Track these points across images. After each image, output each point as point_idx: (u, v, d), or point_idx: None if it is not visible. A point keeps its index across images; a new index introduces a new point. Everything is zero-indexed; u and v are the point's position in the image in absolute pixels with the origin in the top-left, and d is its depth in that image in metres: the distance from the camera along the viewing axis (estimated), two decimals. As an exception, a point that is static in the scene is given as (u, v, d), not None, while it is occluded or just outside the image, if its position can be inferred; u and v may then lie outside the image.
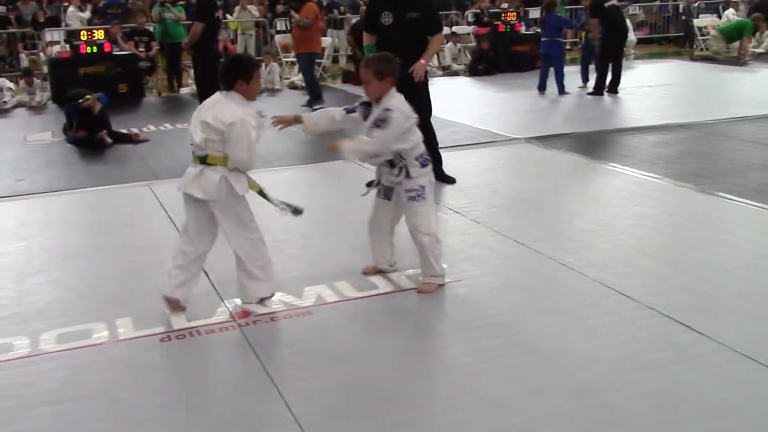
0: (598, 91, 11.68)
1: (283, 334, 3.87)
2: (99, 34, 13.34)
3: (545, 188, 6.56)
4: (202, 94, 9.26)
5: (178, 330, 3.91)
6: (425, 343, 3.71)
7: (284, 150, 8.40)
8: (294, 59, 14.19)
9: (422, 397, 3.22)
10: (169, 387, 3.42)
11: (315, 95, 11.44)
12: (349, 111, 4.34)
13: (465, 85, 14.14)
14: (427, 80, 6.52)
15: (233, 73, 3.90)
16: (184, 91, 13.48)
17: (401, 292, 4.32)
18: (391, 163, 4.17)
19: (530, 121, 9.85)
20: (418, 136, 4.21)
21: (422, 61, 6.27)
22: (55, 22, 16.61)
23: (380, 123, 4.04)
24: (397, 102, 4.13)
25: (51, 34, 14.98)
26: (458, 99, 12.30)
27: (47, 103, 13.03)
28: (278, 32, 16.51)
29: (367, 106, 4.26)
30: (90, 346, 3.79)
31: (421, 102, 6.20)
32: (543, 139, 8.41)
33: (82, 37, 13.14)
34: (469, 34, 17.17)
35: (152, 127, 10.22)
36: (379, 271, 4.56)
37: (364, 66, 4.24)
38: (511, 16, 16.11)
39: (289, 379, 3.38)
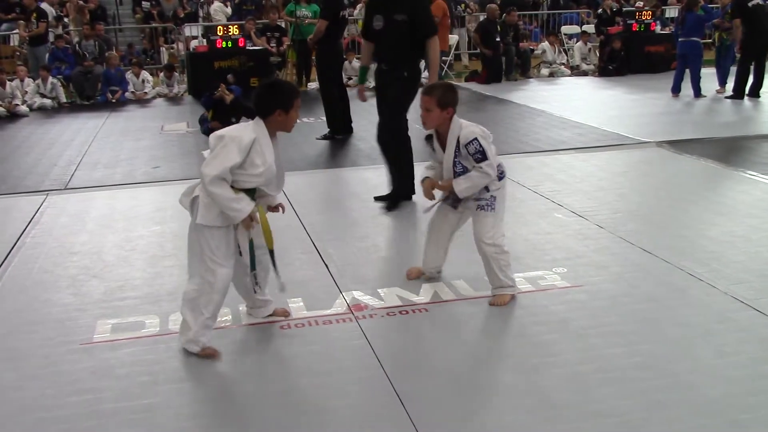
0: (737, 94, 11.09)
1: (399, 329, 3.89)
2: (234, 30, 13.88)
3: (676, 195, 6.29)
4: (324, 89, 9.45)
5: (298, 319, 4.01)
6: (541, 348, 3.63)
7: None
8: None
9: (537, 402, 3.15)
10: (286, 374, 3.50)
11: None
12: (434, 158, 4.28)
13: (594, 85, 13.78)
14: (412, 90, 6.01)
15: (272, 102, 3.52)
16: (311, 86, 13.82)
17: (518, 293, 4.24)
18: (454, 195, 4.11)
19: (662, 124, 9.47)
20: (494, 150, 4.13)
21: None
22: (193, 17, 17.39)
23: (480, 156, 3.96)
24: (472, 128, 4.04)
25: (189, 29, 15.71)
26: (586, 99, 12.01)
27: (183, 94, 13.69)
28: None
29: (431, 139, 4.20)
30: (214, 329, 3.93)
31: (392, 111, 6.00)
32: (675, 144, 8.06)
33: (218, 32, 13.70)
34: (594, 33, 16.67)
35: (280, 121, 10.52)
36: (422, 275, 4.48)
37: (426, 93, 4.04)
38: (647, 15, 15.55)
39: (403, 375, 3.39)
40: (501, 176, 4.12)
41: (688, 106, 10.94)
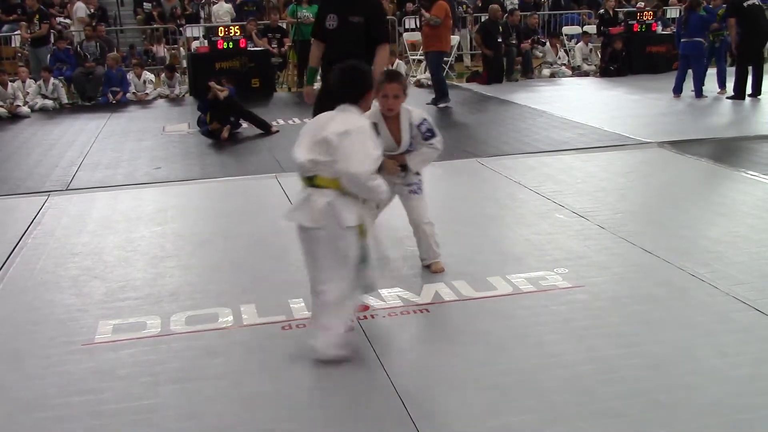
0: (738, 95, 11.08)
1: (400, 329, 3.89)
2: (235, 31, 13.88)
3: (677, 195, 6.29)
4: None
5: (299, 319, 4.01)
6: (543, 348, 3.63)
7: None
8: (421, 57, 14.30)
9: (541, 402, 3.15)
10: (288, 374, 3.50)
11: (441, 94, 11.46)
12: None
13: (595, 86, 13.77)
14: None
15: (363, 84, 3.53)
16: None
17: (520, 294, 4.25)
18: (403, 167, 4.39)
19: (663, 124, 9.47)
20: None
21: None
22: (194, 18, 17.40)
23: (430, 133, 4.33)
24: (416, 110, 4.38)
25: (191, 30, 15.72)
26: (587, 100, 12.00)
27: (185, 95, 13.70)
28: (406, 30, 16.64)
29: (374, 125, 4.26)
30: (216, 330, 3.95)
31: None
32: (677, 144, 8.06)
33: (220, 33, 13.70)
34: (594, 33, 16.66)
35: (281, 121, 10.55)
36: None
37: (395, 80, 4.22)
38: (648, 16, 15.55)
39: (404, 376, 3.39)
40: None
41: (690, 107, 10.93)
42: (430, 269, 4.62)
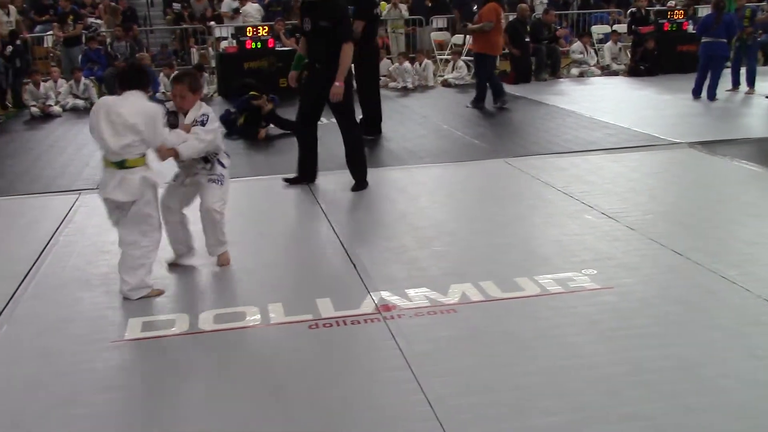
0: None
1: (426, 329, 3.88)
2: (263, 31, 13.94)
3: (708, 196, 6.21)
4: (361, 89, 9.37)
5: (326, 318, 4.02)
6: (570, 349, 3.60)
7: (436, 147, 8.45)
8: (448, 57, 14.29)
9: (567, 404, 3.13)
10: (314, 372, 3.51)
11: (482, 97, 11.33)
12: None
13: (624, 85, 13.62)
14: (352, 97, 6.62)
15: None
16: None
17: (548, 295, 4.22)
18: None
19: (694, 125, 9.35)
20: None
21: (336, 83, 6.30)
22: (222, 19, 17.48)
23: (202, 125, 4.72)
24: (208, 108, 4.88)
25: (219, 30, 15.81)
26: (616, 100, 11.87)
27: (213, 95, 13.80)
28: (433, 30, 16.60)
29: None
30: (243, 328, 3.98)
31: (345, 121, 6.61)
32: (708, 145, 7.95)
33: (248, 33, 13.77)
34: (624, 32, 16.47)
35: (309, 121, 10.56)
36: (178, 258, 4.89)
37: (178, 82, 4.81)
38: (679, 14, 15.36)
39: (430, 375, 3.39)
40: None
41: (720, 107, 10.77)
42: (218, 263, 4.83)
